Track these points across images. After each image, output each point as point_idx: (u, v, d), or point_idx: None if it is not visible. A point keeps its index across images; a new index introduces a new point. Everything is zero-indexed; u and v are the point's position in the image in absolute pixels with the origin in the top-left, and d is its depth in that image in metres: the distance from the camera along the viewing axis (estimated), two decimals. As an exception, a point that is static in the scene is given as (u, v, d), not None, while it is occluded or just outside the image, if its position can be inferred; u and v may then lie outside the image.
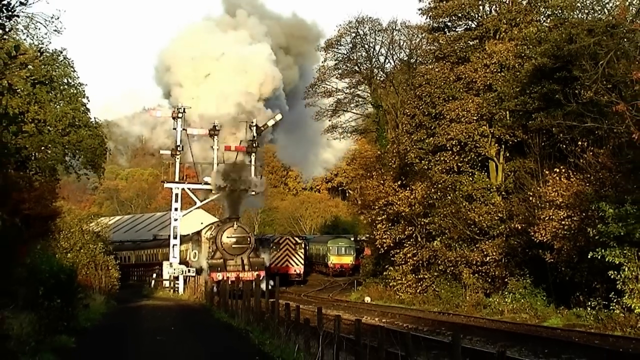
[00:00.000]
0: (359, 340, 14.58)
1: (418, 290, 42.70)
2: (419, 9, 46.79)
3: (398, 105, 57.37)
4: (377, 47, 63.44)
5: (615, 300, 27.02)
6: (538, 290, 34.45)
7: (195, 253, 56.94)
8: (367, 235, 51.97)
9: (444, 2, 44.86)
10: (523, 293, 34.63)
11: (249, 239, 53.26)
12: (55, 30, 34.70)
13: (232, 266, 51.16)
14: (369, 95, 63.67)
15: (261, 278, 47.34)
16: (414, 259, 43.14)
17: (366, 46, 62.51)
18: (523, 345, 22.93)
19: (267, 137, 62.08)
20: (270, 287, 45.75)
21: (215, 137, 58.73)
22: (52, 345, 18.98)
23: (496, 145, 41.19)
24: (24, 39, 34.42)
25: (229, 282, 42.10)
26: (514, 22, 42.22)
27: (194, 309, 39.81)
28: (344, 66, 63.62)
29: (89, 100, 42.22)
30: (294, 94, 64.54)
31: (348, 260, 69.40)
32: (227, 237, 52.15)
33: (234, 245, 52.04)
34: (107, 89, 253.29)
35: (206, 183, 59.91)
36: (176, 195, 59.16)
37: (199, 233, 59.26)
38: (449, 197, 40.27)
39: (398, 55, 62.65)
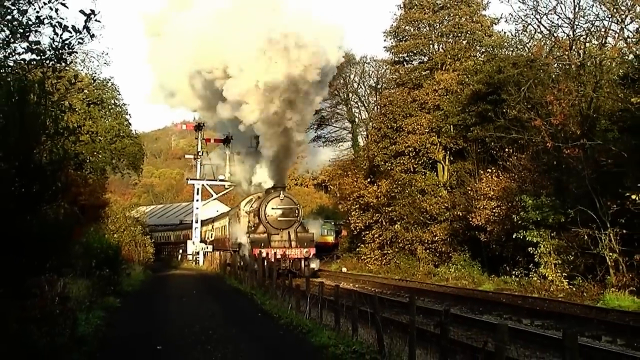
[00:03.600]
0: (338, 301, 14.60)
1: (383, 263, 42.70)
2: (384, 47, 47.24)
3: (368, 121, 57.36)
4: (352, 76, 63.37)
5: (533, 270, 27.09)
6: (475, 262, 34.54)
7: (212, 234, 56.45)
8: (344, 220, 51.86)
9: (403, 41, 45.33)
10: (463, 264, 34.74)
11: (297, 212, 38.28)
12: (105, 63, 34.74)
13: (277, 242, 37.08)
14: (345, 112, 63.59)
15: (311, 256, 36.87)
16: (380, 238, 43.15)
17: (343, 75, 62.35)
18: (463, 304, 22.98)
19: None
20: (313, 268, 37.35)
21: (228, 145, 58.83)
22: (102, 304, 18.96)
23: (443, 151, 41.38)
24: (81, 70, 34.46)
25: (274, 260, 33.21)
26: (456, 57, 42.40)
27: (211, 277, 39.69)
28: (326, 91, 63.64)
29: (130, 116, 42.26)
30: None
31: (330, 239, 68.88)
32: (272, 208, 37.63)
33: (279, 218, 37.58)
34: (145, 106, 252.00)
35: (221, 180, 59.94)
36: (197, 189, 59.15)
37: (237, 207, 46.57)
38: (407, 191, 40.33)
39: (368, 82, 62.53)
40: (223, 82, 41.36)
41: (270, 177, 42.88)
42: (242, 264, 36.01)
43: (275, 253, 35.61)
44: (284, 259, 35.18)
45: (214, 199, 64.04)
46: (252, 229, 38.73)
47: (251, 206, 41.55)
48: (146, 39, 51.38)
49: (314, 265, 37.50)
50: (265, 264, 29.05)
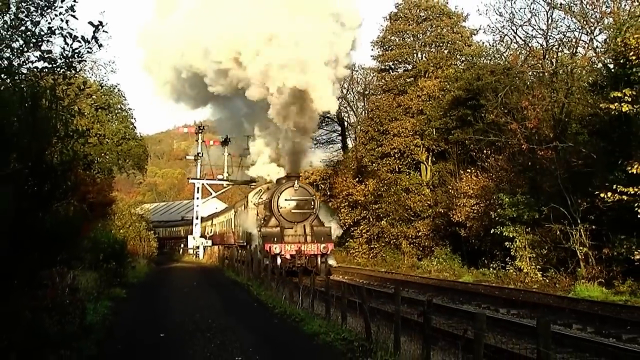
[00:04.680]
0: (328, 292, 14.61)
1: (370, 256, 42.74)
2: (371, 56, 47.37)
3: (356, 124, 57.33)
4: (341, 83, 63.32)
5: (509, 263, 27.22)
6: (455, 256, 34.66)
7: (212, 230, 56.29)
8: (334, 217, 51.82)
9: (389, 51, 45.39)
10: (445, 258, 34.85)
11: (312, 203, 31.77)
12: (112, 71, 34.57)
13: (290, 236, 30.68)
14: (335, 116, 63.53)
15: (328, 252, 30.92)
16: (368, 233, 43.19)
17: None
18: (445, 295, 23.00)
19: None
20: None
21: (226, 146, 58.81)
22: (109, 295, 18.90)
23: (426, 152, 41.50)
24: (90, 77, 34.29)
25: (288, 256, 29.52)
26: (438, 65, 42.52)
27: (210, 270, 39.60)
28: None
29: (136, 120, 42.13)
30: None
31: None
32: (286, 199, 31.25)
33: (293, 211, 31.15)
34: (149, 110, 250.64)
35: (219, 179, 59.86)
36: (197, 188, 59.07)
37: (244, 199, 40.39)
38: (392, 190, 40.39)
39: (356, 88, 62.34)
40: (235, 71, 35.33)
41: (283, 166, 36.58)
42: (248, 257, 31.47)
43: (289, 249, 30.28)
44: (298, 256, 30.02)
45: (213, 197, 63.95)
46: (263, 222, 32.50)
47: (260, 197, 35.67)
48: (139, 50, 50.54)
49: (332, 261, 33.00)
50: (279, 261, 26.62)
